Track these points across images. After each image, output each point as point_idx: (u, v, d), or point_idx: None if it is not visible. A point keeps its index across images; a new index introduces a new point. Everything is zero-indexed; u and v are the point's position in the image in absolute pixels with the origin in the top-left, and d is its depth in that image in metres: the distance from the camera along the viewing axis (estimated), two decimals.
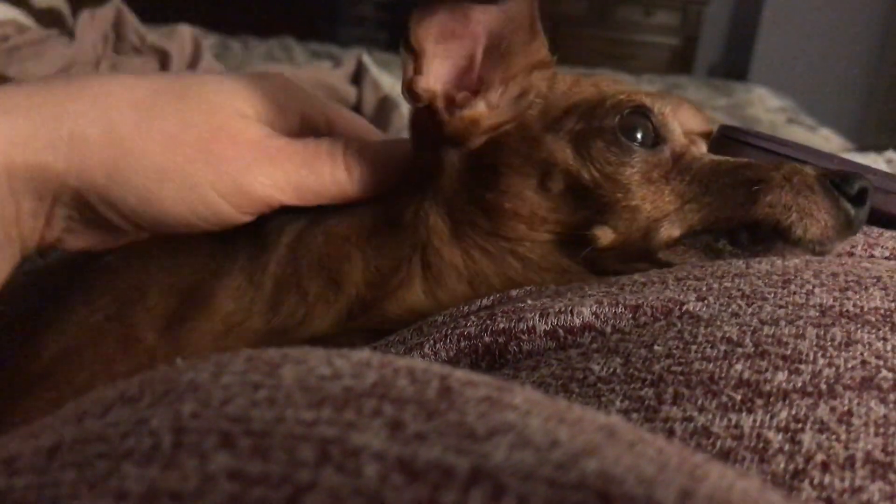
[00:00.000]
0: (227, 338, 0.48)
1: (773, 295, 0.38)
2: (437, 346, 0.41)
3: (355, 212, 0.50)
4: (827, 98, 3.59)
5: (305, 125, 0.51)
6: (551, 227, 0.47)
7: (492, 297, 0.46)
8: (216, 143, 0.44)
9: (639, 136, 0.48)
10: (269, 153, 0.46)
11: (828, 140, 1.86)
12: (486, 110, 0.49)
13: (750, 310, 0.37)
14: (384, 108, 1.51)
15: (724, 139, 0.55)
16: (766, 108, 2.26)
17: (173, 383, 0.23)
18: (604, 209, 0.47)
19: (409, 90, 0.47)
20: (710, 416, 0.31)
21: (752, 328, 0.35)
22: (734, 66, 4.03)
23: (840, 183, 0.46)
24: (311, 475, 0.19)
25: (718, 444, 0.30)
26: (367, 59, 1.64)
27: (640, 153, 0.48)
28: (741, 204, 0.46)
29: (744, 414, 0.31)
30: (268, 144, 0.46)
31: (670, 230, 0.47)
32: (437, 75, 0.48)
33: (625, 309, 0.39)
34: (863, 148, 1.30)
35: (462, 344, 0.41)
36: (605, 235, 0.47)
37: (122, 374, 0.45)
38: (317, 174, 0.47)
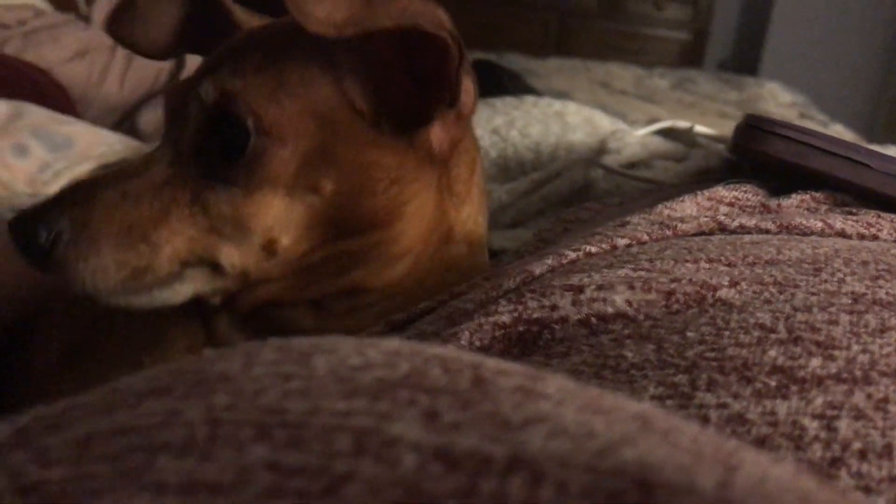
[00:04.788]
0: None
1: (804, 283, 0.38)
2: (473, 337, 0.41)
3: None
4: (839, 93, 3.55)
5: None
6: None
7: (517, 279, 0.45)
8: None
9: None
10: None
11: (839, 136, 1.85)
12: None
13: (782, 297, 0.37)
14: None
15: (751, 129, 0.55)
16: (777, 102, 2.24)
17: (204, 374, 0.23)
18: None
19: None
20: (744, 403, 0.31)
21: (784, 314, 0.35)
22: (745, 61, 4.00)
23: None
24: (349, 466, 0.18)
25: (754, 431, 0.29)
26: None
27: None
28: None
29: (778, 400, 0.30)
30: None
31: None
32: None
33: (657, 295, 0.39)
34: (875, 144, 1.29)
35: (497, 333, 0.41)
36: None
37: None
38: None
